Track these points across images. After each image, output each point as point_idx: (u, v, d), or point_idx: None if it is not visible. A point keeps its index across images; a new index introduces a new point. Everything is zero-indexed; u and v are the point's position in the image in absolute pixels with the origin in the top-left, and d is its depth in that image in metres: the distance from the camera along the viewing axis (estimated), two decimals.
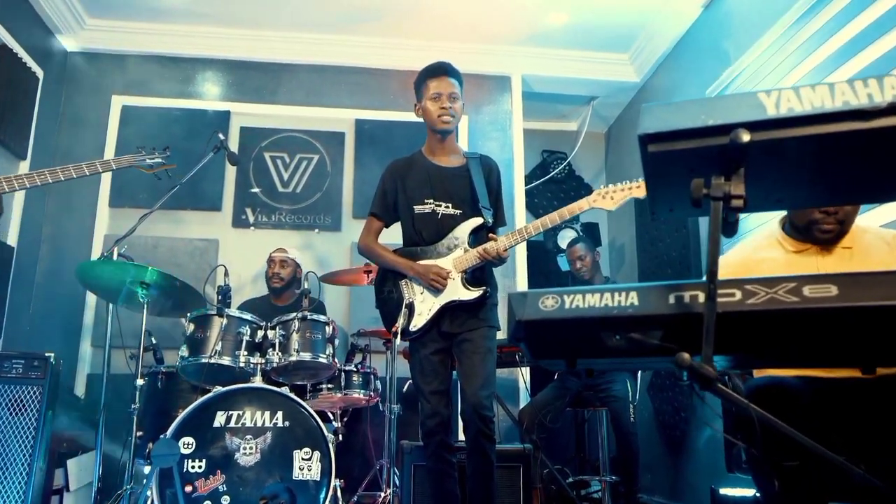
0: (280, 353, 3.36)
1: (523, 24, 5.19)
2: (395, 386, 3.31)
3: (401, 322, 2.85)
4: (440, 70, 2.99)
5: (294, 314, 3.44)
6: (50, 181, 2.83)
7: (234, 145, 5.17)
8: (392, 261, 2.98)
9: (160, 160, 3.18)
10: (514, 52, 5.44)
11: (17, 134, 4.49)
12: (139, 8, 5.00)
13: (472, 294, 2.86)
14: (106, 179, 5.01)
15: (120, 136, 5.09)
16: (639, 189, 2.81)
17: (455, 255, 2.92)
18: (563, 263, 5.35)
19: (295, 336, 3.40)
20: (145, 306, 3.45)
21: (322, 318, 3.51)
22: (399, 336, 2.85)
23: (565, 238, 5.45)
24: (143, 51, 5.23)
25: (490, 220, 2.96)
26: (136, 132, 5.07)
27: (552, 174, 5.99)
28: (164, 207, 4.85)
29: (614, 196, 2.84)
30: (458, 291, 2.87)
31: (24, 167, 4.61)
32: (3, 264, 4.41)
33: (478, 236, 2.99)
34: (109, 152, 5.05)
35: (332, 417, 3.83)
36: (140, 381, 3.36)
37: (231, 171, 5.08)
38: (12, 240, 4.50)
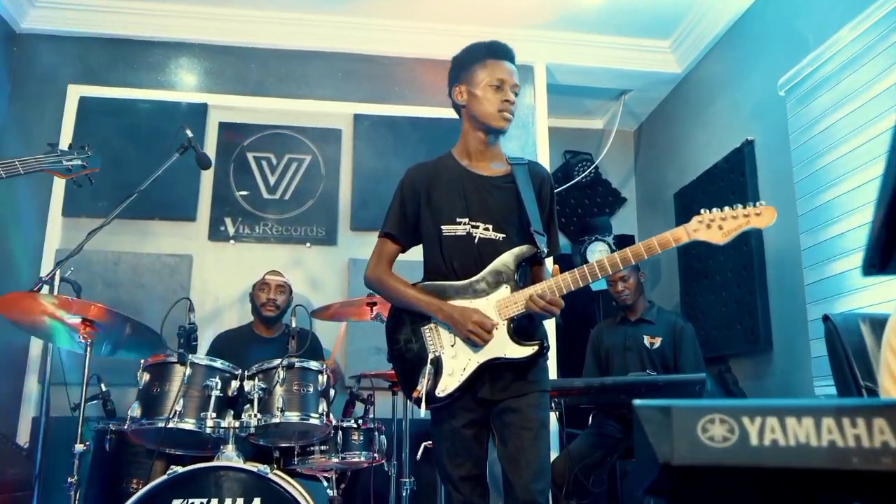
0: (259, 414, 2.60)
1: (550, 5, 4.45)
2: (408, 450, 2.57)
3: (424, 384, 2.10)
4: (504, 52, 2.29)
5: (278, 362, 2.67)
6: None
7: (211, 143, 4.40)
8: (413, 299, 2.21)
9: (79, 162, 2.42)
10: (539, 38, 4.70)
11: None
12: None
13: (525, 351, 2.11)
14: (59, 185, 4.23)
15: (77, 134, 4.29)
16: (759, 217, 2.04)
17: (499, 296, 2.16)
18: (596, 282, 4.59)
19: (279, 390, 2.64)
20: (88, 349, 2.68)
21: (314, 365, 2.75)
22: (423, 403, 2.09)
23: (595, 252, 4.71)
24: (106, 33, 4.45)
25: (545, 249, 2.21)
26: (96, 128, 4.30)
27: (578, 179, 5.23)
28: (128, 217, 4.15)
29: (724, 225, 2.08)
30: (504, 346, 2.12)
31: None
32: None
33: (527, 270, 2.25)
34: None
35: (325, 483, 3.06)
36: (79, 447, 2.60)
37: (208, 175, 4.31)
38: None
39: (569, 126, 5.63)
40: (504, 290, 2.16)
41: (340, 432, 2.90)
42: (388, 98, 4.63)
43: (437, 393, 2.13)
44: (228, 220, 4.29)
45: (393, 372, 3.12)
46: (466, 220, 2.24)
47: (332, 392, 2.79)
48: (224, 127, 4.44)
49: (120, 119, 4.33)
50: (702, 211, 2.08)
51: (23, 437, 3.90)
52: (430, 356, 2.15)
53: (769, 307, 3.74)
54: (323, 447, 2.88)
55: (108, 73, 4.43)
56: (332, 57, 4.64)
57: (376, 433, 3.04)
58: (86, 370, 2.70)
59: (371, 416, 3.06)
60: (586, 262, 4.71)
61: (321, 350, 3.75)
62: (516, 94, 2.27)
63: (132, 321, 2.70)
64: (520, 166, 2.35)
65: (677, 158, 4.92)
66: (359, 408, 3.21)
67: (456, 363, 2.14)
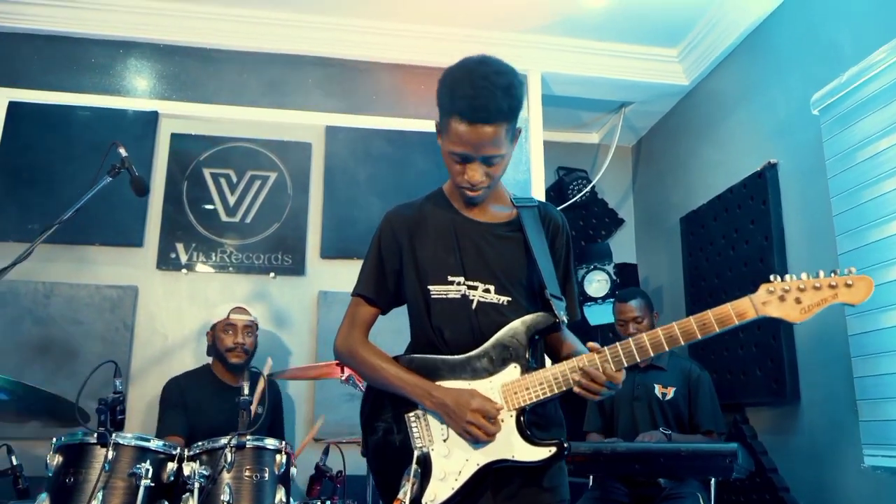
0: None
1: (548, 9, 3.98)
2: None
3: (409, 491, 1.59)
4: (476, 113, 1.61)
5: (225, 440, 2.16)
6: None
7: (162, 157, 3.86)
8: (395, 380, 1.71)
9: None
10: (534, 43, 4.22)
11: None
12: None
13: (539, 453, 1.61)
14: None
15: (5, 145, 3.73)
16: (850, 289, 1.53)
17: (505, 378, 1.67)
18: (595, 315, 4.13)
19: (225, 476, 2.12)
20: None
21: (271, 443, 2.23)
22: None
23: (595, 283, 4.24)
24: (39, 29, 3.88)
25: (565, 318, 1.72)
26: (26, 138, 3.74)
27: (574, 198, 4.77)
28: (63, 242, 3.62)
29: (802, 298, 1.55)
30: (513, 445, 1.62)
31: None
32: None
33: (539, 344, 1.76)
34: None
35: None
36: None
37: (157, 194, 3.77)
38: None
39: (561, 140, 5.16)
40: (512, 371, 1.67)
41: None
42: (365, 108, 4.12)
43: (423, 502, 1.63)
44: (180, 247, 3.74)
45: None
46: (461, 279, 1.74)
47: (292, 472, 2.28)
48: (177, 138, 3.90)
49: (55, 128, 3.77)
50: (772, 278, 1.59)
51: None
52: (417, 453, 1.65)
53: (796, 353, 3.30)
54: None
55: (42, 75, 3.86)
56: (301, 61, 4.12)
57: None
58: None
59: (341, 497, 2.55)
60: (584, 292, 4.26)
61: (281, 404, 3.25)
62: (494, 163, 1.68)
63: (40, 391, 2.16)
64: (528, 209, 1.85)
65: (683, 178, 4.47)
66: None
67: (449, 464, 1.65)
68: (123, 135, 3.73)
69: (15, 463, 2.49)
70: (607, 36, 4.22)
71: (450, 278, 1.75)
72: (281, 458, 2.22)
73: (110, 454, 2.06)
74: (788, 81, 3.48)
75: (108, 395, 2.14)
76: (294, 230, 3.86)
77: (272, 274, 3.78)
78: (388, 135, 4.04)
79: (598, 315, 4.11)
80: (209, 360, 3.27)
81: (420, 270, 1.79)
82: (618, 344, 1.61)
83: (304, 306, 3.78)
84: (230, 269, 3.76)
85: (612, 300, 3.88)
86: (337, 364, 2.69)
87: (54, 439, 2.15)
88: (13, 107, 3.79)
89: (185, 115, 3.95)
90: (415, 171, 3.94)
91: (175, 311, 3.68)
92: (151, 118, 3.90)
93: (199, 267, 3.74)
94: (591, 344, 1.65)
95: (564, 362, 1.64)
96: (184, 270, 3.72)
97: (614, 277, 4.21)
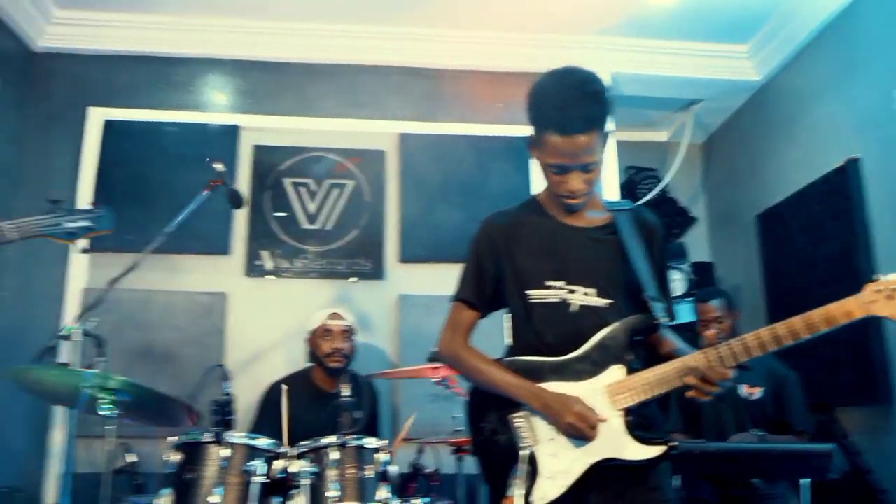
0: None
1: (616, 10, 4.00)
2: None
3: (519, 488, 1.66)
4: (570, 124, 1.68)
5: (328, 442, 2.27)
6: None
7: (245, 169, 4.02)
8: (500, 382, 1.79)
9: (86, 224, 2.02)
10: (603, 45, 4.25)
11: None
12: None
13: (647, 452, 1.66)
14: None
15: (104, 159, 3.96)
16: None
17: (609, 379, 1.73)
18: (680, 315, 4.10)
19: (331, 474, 2.23)
20: (111, 427, 2.31)
21: (372, 442, 2.33)
22: None
23: (671, 282, 4.22)
24: (128, 50, 4.10)
25: (666, 318, 1.77)
26: (121, 154, 3.96)
27: (645, 198, 4.76)
28: (158, 251, 3.80)
29: None
30: (621, 445, 1.68)
31: None
32: None
33: (639, 344, 1.81)
34: (87, 179, 3.93)
35: None
36: None
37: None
38: None
39: (630, 139, 5.14)
40: (616, 372, 1.72)
41: None
42: (437, 115, 4.21)
43: (533, 501, 1.70)
44: (265, 254, 3.90)
45: (459, 439, 2.75)
46: (561, 283, 1.81)
47: (392, 470, 2.37)
48: (259, 150, 4.06)
49: (146, 143, 3.98)
50: (876, 276, 1.60)
51: (50, 496, 3.55)
52: (523, 453, 1.72)
53: (886, 352, 3.24)
54: None
55: (132, 93, 4.07)
56: (374, 71, 4.24)
57: None
58: (106, 446, 2.34)
59: (435, 495, 2.64)
60: None
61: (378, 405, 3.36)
62: (591, 169, 1.76)
63: (158, 394, 2.31)
64: (623, 213, 1.90)
65: (759, 175, 4.41)
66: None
67: (557, 464, 1.71)
68: (207, 148, 3.93)
69: (132, 460, 2.66)
70: (676, 34, 4.20)
71: (548, 283, 1.81)
72: (381, 457, 2.31)
73: (225, 452, 2.19)
74: (869, 74, 3.42)
75: (220, 397, 2.28)
76: (373, 236, 3.97)
77: (353, 278, 3.91)
78: (462, 140, 4.11)
79: (684, 313, 4.09)
80: (308, 364, 3.39)
81: (518, 276, 1.86)
82: (725, 344, 1.65)
83: (384, 309, 3.89)
84: (312, 274, 3.90)
85: (689, 299, 3.88)
86: (433, 368, 2.77)
87: (173, 438, 2.30)
88: (109, 125, 4.01)
89: (265, 128, 4.10)
90: (488, 175, 4.01)
91: (262, 316, 3.82)
92: (233, 131, 4.07)
93: (284, 273, 3.89)
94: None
95: (670, 362, 1.69)
96: (270, 276, 3.88)
97: (692, 276, 4.19)
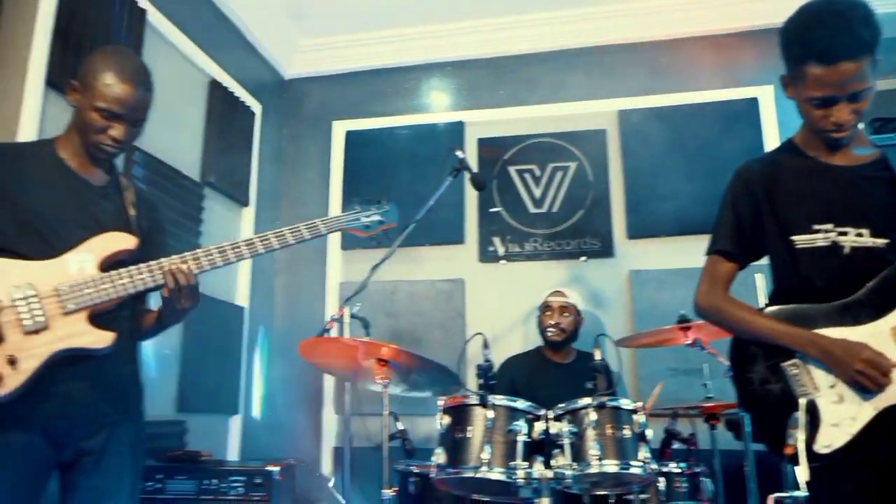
0: (572, 462, 2.29)
1: None
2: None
3: (799, 436, 1.63)
4: (836, 51, 1.61)
5: (586, 402, 2.35)
6: (246, 255, 2.03)
7: (471, 161, 4.22)
8: (769, 330, 1.75)
9: (377, 218, 2.28)
10: None
11: (237, 179, 3.97)
12: (351, 18, 4.30)
13: None
14: None
15: (347, 168, 4.42)
16: None
17: (893, 320, 1.63)
18: None
19: (591, 434, 2.32)
20: (385, 392, 2.60)
21: (626, 403, 2.38)
22: (803, 462, 1.62)
23: None
24: (361, 66, 4.54)
25: None
26: (361, 160, 4.39)
27: None
28: (399, 245, 4.17)
29: None
30: None
31: (247, 214, 4.08)
32: (236, 326, 3.89)
33: None
34: (336, 188, 4.42)
35: None
36: (388, 493, 2.51)
37: (472, 195, 4.18)
38: (242, 299, 3.97)
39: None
40: None
41: (664, 479, 2.50)
42: (653, 88, 4.15)
43: (817, 447, 1.65)
44: (497, 240, 4.11)
45: (710, 404, 2.71)
46: (829, 225, 1.73)
47: (648, 434, 2.40)
48: (483, 143, 4.29)
49: (382, 148, 4.37)
50: None
51: (325, 467, 4.03)
52: (802, 401, 1.67)
53: None
54: (643, 496, 2.51)
55: (367, 105, 4.50)
56: (586, 53, 4.29)
57: (703, 479, 2.59)
58: (385, 410, 2.63)
59: (694, 459, 2.62)
60: None
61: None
62: (862, 98, 1.66)
63: (426, 360, 2.55)
64: (893, 148, 1.78)
65: None
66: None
67: (841, 410, 1.64)
68: (437, 146, 4.22)
69: (401, 428, 2.96)
70: None
71: (815, 227, 1.74)
72: (638, 418, 2.35)
73: (490, 414, 2.36)
74: None
75: (482, 363, 2.47)
76: (599, 214, 4.02)
77: (583, 258, 3.98)
78: (683, 109, 4.02)
79: None
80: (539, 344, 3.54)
81: (781, 222, 1.80)
82: None
83: (615, 286, 3.91)
84: (543, 256, 4.03)
85: None
86: (680, 328, 2.77)
87: (440, 402, 2.52)
88: (349, 135, 4.46)
89: (487, 121, 4.32)
90: (716, 142, 3.87)
91: (497, 299, 4.03)
92: (458, 128, 4.33)
93: (515, 257, 4.06)
94: None
95: None
96: (502, 261, 4.07)
97: None
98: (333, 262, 4.30)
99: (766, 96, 3.93)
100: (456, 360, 2.60)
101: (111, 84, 1.86)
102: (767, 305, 1.82)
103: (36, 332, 1.74)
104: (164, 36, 3.33)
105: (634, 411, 2.37)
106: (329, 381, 4.12)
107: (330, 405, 4.11)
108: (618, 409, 2.36)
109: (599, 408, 2.34)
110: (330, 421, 4.11)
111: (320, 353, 2.82)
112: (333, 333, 2.99)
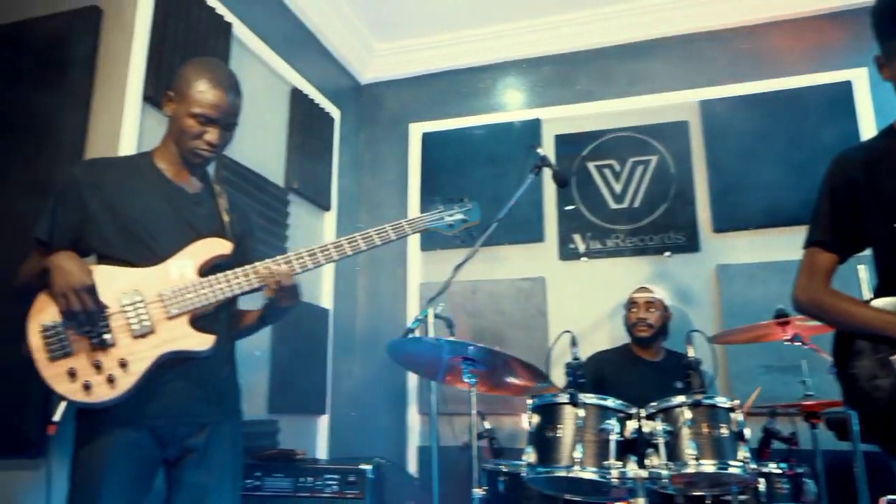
0: (668, 461, 2.24)
1: None
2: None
3: None
4: None
5: (680, 400, 2.29)
6: (336, 258, 2.08)
7: (549, 158, 4.21)
8: (879, 322, 1.67)
9: (460, 217, 2.27)
10: None
11: (319, 185, 4.05)
12: (426, 21, 4.34)
13: None
14: None
15: (424, 169, 4.46)
16: None
17: None
18: None
19: (686, 433, 2.25)
20: (473, 391, 2.60)
21: (723, 401, 2.31)
22: None
23: None
24: (437, 68, 4.57)
25: None
26: (438, 161, 4.41)
27: None
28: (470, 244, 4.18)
29: None
30: None
31: (329, 219, 4.17)
32: (321, 327, 3.98)
33: None
34: (414, 190, 4.46)
35: None
36: (478, 492, 2.51)
37: (550, 193, 4.14)
38: (327, 301, 4.06)
39: None
40: None
41: (764, 480, 2.41)
42: (737, 76, 4.01)
43: None
44: (577, 237, 4.05)
45: (811, 402, 2.59)
46: None
47: (746, 433, 2.32)
48: (560, 140, 4.24)
49: (458, 149, 4.38)
50: None
51: (411, 466, 4.07)
52: None
53: None
54: (742, 497, 2.42)
55: (443, 106, 4.52)
56: (663, 43, 4.19)
57: (805, 480, 2.49)
58: (472, 410, 2.63)
59: (795, 459, 2.51)
60: None
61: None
62: None
63: (514, 359, 2.54)
64: None
65: None
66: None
67: None
68: (513, 145, 4.22)
69: (488, 427, 2.95)
70: None
71: None
72: (736, 417, 2.27)
73: (580, 413, 2.33)
74: None
75: (571, 361, 2.44)
76: (683, 208, 3.91)
77: (667, 253, 3.88)
78: (769, 97, 3.87)
79: None
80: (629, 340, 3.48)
81: (885, 209, 1.71)
82: None
83: (702, 281, 3.80)
84: (625, 252, 3.95)
85: None
86: (778, 323, 2.66)
87: (528, 400, 2.50)
88: (426, 137, 4.50)
89: (564, 117, 4.27)
90: (805, 130, 3.71)
91: (580, 297, 3.97)
92: (534, 126, 4.29)
93: (597, 254, 4.00)
94: None
95: None
96: (584, 259, 4.01)
97: None
98: (413, 264, 4.34)
99: (861, 79, 3.73)
100: (542, 359, 2.57)
101: (204, 91, 1.94)
102: (872, 299, 1.73)
103: (143, 336, 1.83)
104: (249, 48, 3.44)
105: (731, 409, 2.29)
106: (413, 381, 4.16)
107: (414, 404, 4.14)
108: (714, 406, 2.28)
109: (694, 406, 2.28)
110: (414, 420, 4.14)
111: (407, 354, 2.85)
112: (418, 333, 3.02)
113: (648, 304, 3.33)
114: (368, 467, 2.67)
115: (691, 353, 2.37)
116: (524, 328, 4.00)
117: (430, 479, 3.04)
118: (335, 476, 2.64)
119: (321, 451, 3.90)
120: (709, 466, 2.20)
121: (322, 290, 4.04)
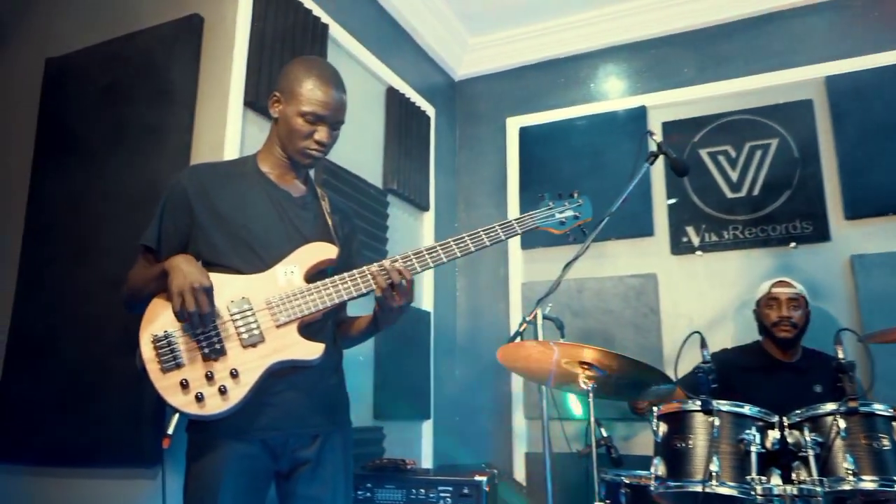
0: (819, 477, 2.00)
1: None
2: None
3: None
4: None
5: (831, 408, 2.05)
6: (444, 260, 1.97)
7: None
8: None
9: (571, 214, 2.11)
10: None
11: (417, 184, 3.97)
12: (519, 11, 4.19)
13: None
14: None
15: (523, 165, 4.30)
16: None
17: None
18: None
19: (840, 444, 2.01)
20: (590, 395, 2.42)
21: (882, 409, 2.04)
22: None
23: None
24: (533, 59, 4.41)
25: None
26: (538, 156, 4.24)
27: None
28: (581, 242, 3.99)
29: None
30: None
31: (427, 219, 4.09)
32: (423, 331, 3.90)
33: None
34: (513, 186, 4.31)
35: None
36: None
37: (659, 184, 3.90)
38: (428, 304, 3.97)
39: None
40: None
41: None
42: (866, 48, 3.63)
43: None
44: (691, 230, 3.79)
45: None
46: None
47: None
48: (668, 127, 3.98)
49: (558, 142, 4.20)
50: None
51: (517, 473, 3.92)
52: None
53: None
54: None
55: (541, 99, 4.35)
56: (780, 17, 3.87)
57: None
58: (591, 418, 2.45)
59: None
60: None
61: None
62: None
63: (635, 362, 2.35)
64: None
65: None
66: None
67: None
68: (617, 135, 4.00)
69: (605, 434, 2.77)
70: None
71: None
72: None
73: (715, 421, 2.12)
74: None
75: (703, 364, 2.23)
76: (808, 195, 3.58)
77: (792, 244, 3.57)
78: None
79: None
80: (759, 338, 3.20)
81: None
82: None
83: (834, 273, 3.47)
84: (745, 244, 3.66)
85: None
86: None
87: (656, 408, 2.31)
88: (523, 131, 4.34)
89: (671, 103, 4.02)
90: None
91: (696, 293, 3.72)
92: (640, 113, 4.06)
93: (713, 247, 3.72)
94: None
95: None
96: (698, 252, 3.75)
97: None
98: (515, 263, 4.19)
99: None
100: (657, 361, 2.36)
101: (313, 88, 1.88)
102: None
103: (253, 345, 1.77)
104: (345, 48, 3.39)
105: (893, 419, 2.02)
106: (518, 384, 4.01)
107: (520, 409, 3.99)
108: (871, 415, 2.03)
109: (849, 414, 2.03)
110: (520, 424, 4.00)
111: (517, 358, 2.71)
112: (526, 336, 2.87)
113: (791, 301, 3.02)
114: (483, 479, 2.54)
115: (840, 354, 2.12)
116: (635, 328, 3.78)
117: (538, 488, 2.89)
118: (448, 488, 2.52)
119: (426, 457, 3.82)
120: (869, 483, 1.96)
121: (423, 292, 3.96)
